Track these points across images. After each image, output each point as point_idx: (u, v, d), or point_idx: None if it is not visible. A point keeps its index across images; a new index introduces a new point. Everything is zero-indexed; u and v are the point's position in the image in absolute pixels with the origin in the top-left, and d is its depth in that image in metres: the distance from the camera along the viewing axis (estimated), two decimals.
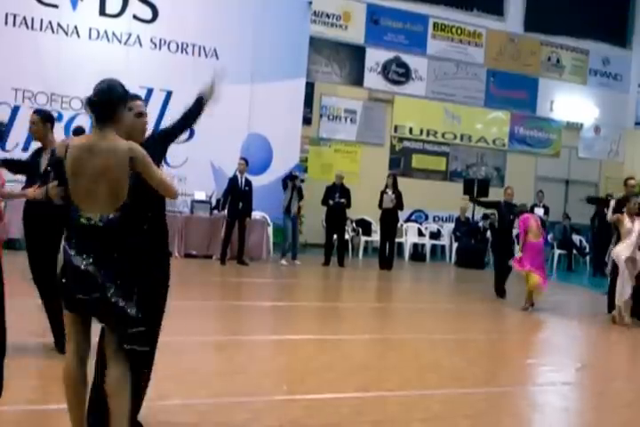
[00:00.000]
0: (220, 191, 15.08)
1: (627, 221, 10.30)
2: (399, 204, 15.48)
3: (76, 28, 15.25)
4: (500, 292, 12.17)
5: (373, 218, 17.55)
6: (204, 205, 15.18)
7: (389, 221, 15.59)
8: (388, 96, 20.51)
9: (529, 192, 19.85)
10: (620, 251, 10.19)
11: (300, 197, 15.26)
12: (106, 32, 15.52)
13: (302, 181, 15.67)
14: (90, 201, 3.72)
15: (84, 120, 12.38)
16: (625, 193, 11.58)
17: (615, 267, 10.47)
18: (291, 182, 15.15)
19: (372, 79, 20.38)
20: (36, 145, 6.37)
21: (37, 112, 6.25)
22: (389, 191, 15.41)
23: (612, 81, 23.94)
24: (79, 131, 11.00)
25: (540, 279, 10.83)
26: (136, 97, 4.21)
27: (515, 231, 12.79)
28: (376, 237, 17.30)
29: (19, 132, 14.58)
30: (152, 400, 4.32)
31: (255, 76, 16.59)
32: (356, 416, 5.15)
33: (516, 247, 12.50)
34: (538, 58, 22.73)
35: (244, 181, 14.43)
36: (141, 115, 4.14)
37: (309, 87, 18.60)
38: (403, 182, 16.18)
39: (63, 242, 3.75)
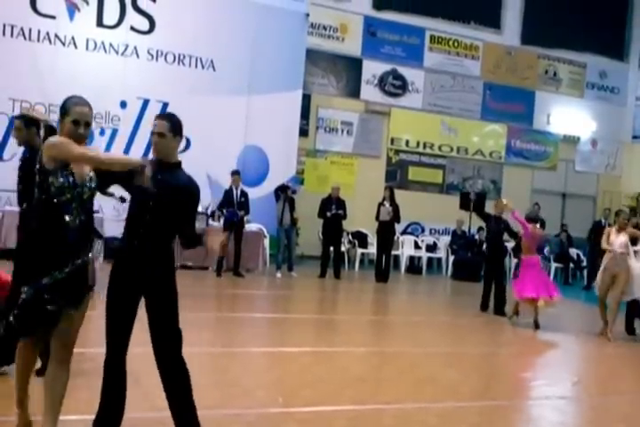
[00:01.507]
0: (216, 203, 15.05)
1: (613, 234, 10.42)
2: (396, 216, 15.45)
3: (73, 38, 15.27)
4: (485, 306, 12.11)
5: (370, 230, 17.54)
6: (199, 216, 15.11)
7: (386, 233, 15.56)
8: (384, 108, 20.54)
9: (525, 205, 19.85)
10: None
11: (292, 208, 15.19)
12: (103, 43, 15.56)
13: (294, 192, 15.60)
14: None
15: None
16: None
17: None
18: (283, 194, 15.10)
19: (369, 91, 20.41)
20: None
21: (19, 117, 6.02)
22: (387, 204, 15.39)
23: (610, 94, 24.00)
24: None
25: (546, 300, 10.72)
26: (157, 116, 4.43)
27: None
28: (372, 249, 17.27)
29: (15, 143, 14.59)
30: (145, 412, 4.30)
31: (252, 88, 16.64)
32: None
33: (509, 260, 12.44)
34: (535, 71, 22.78)
35: (239, 192, 14.40)
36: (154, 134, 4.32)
37: (306, 99, 18.62)
38: (399, 195, 16.13)
39: None
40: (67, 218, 3.90)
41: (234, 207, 14.21)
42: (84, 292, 4.10)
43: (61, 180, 3.89)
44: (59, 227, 3.90)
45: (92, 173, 4.08)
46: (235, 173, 14.60)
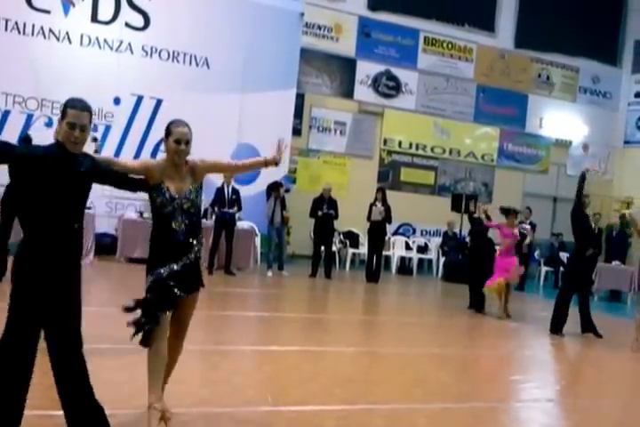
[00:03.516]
0: (208, 200, 15.04)
1: None
2: (388, 217, 15.48)
3: (67, 34, 15.23)
4: (476, 305, 12.21)
5: (361, 230, 17.56)
6: None
7: (377, 233, 15.58)
8: (377, 109, 20.55)
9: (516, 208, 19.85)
10: None
11: (283, 206, 15.17)
12: (97, 39, 15.51)
13: (287, 190, 15.57)
14: None
15: None
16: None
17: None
18: (274, 193, 15.09)
19: (363, 92, 20.42)
20: None
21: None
22: (379, 204, 15.41)
23: (602, 99, 24.06)
24: (28, 139, 10.77)
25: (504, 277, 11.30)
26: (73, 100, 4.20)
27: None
28: (363, 249, 17.28)
29: (9, 137, 14.58)
30: (136, 408, 4.29)
31: (246, 86, 16.62)
32: None
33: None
34: (528, 74, 22.82)
35: (230, 190, 14.41)
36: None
37: (299, 98, 18.61)
38: (391, 195, 16.15)
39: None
40: (173, 225, 4.62)
41: (225, 205, 14.22)
42: (196, 282, 4.81)
43: (160, 198, 4.60)
44: (168, 231, 4.62)
45: (191, 187, 4.78)
46: None
